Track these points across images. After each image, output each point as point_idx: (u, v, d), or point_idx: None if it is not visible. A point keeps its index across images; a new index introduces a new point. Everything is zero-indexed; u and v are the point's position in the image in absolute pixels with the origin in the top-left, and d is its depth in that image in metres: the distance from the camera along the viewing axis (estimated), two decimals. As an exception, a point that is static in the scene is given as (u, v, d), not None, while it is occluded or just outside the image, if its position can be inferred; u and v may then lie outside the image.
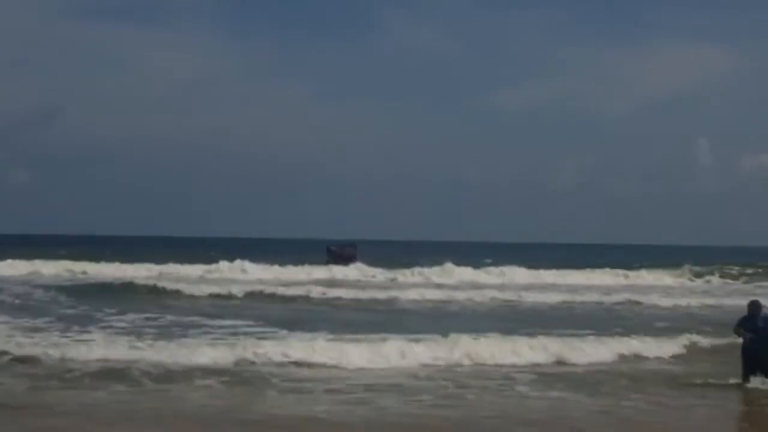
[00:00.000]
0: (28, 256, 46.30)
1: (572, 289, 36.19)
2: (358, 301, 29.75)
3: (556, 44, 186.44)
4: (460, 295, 31.60)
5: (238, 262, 43.47)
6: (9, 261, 43.56)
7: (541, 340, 17.43)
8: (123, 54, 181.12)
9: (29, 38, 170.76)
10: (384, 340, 17.14)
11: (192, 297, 29.94)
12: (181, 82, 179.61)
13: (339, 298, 30.09)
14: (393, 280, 40.45)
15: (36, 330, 19.39)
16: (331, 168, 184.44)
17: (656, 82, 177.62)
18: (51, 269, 42.84)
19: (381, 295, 31.00)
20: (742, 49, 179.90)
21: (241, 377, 14.39)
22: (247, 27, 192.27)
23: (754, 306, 14.72)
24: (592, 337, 18.69)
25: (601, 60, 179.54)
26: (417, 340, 17.26)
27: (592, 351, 17.20)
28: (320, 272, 42.63)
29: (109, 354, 15.55)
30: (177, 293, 30.51)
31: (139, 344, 16.63)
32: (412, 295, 31.24)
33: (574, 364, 16.42)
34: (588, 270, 45.57)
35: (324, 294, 30.87)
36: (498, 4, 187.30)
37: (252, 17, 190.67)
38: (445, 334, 17.68)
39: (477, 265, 46.51)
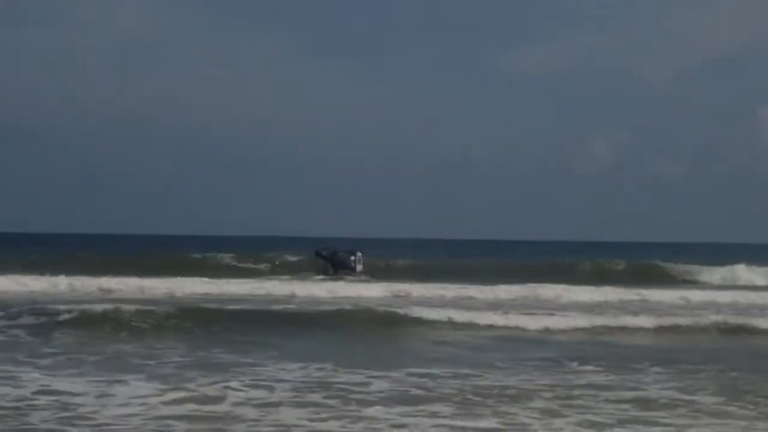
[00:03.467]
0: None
1: None
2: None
3: None
4: None
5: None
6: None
7: None
8: (50, 5, 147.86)
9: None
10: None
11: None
12: (120, 39, 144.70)
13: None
14: None
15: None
16: (303, 147, 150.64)
17: (710, 36, 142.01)
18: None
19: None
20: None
21: None
22: None
23: None
24: None
25: (641, 8, 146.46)
26: None
27: None
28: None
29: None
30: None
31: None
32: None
33: None
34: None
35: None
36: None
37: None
38: None
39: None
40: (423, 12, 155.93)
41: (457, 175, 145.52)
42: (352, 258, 38.00)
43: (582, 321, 21.03)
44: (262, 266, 39.79)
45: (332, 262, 38.15)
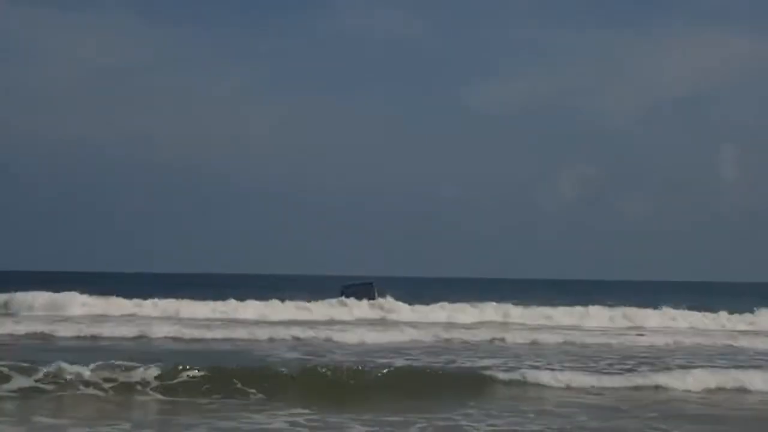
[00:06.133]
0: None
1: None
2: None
3: (548, 29, 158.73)
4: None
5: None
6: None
7: None
8: (13, 39, 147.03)
9: None
10: None
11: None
12: (89, 75, 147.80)
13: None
14: None
15: None
16: (268, 184, 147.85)
17: (673, 76, 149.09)
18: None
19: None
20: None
21: None
22: (171, 9, 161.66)
23: None
24: None
25: (604, 48, 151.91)
26: None
27: None
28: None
29: None
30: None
31: None
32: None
33: None
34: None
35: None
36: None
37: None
38: None
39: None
40: (390, 51, 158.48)
41: (422, 212, 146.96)
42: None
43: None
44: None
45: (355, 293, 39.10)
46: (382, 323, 30.97)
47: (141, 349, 20.76)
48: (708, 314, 35.63)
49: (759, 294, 59.52)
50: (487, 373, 17.08)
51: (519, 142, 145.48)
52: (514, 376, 16.79)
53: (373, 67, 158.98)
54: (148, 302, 34.15)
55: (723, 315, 35.62)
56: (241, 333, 25.20)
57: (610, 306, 36.17)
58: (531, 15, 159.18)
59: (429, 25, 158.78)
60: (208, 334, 24.83)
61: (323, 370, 16.25)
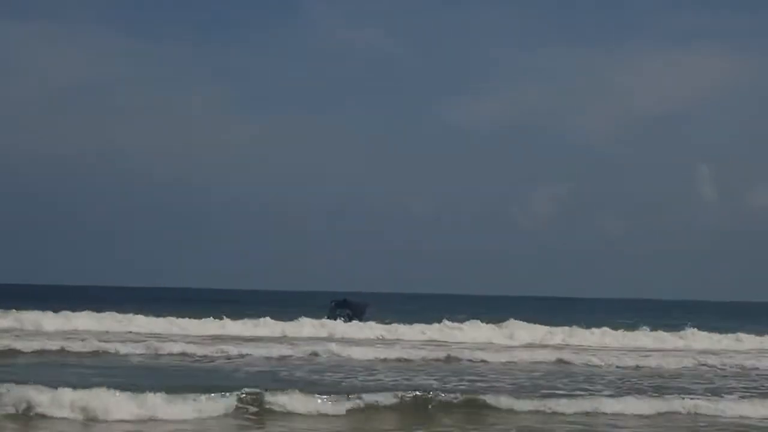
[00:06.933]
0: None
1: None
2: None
3: (522, 47, 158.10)
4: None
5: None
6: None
7: None
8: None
9: None
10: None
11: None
12: (63, 87, 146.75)
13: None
14: None
15: None
16: (243, 198, 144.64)
17: (648, 95, 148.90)
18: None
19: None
20: (749, 53, 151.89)
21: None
22: (150, 24, 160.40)
23: None
24: None
25: (579, 67, 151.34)
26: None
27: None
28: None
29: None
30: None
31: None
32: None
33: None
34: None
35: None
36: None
37: (155, 12, 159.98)
38: None
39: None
40: (367, 67, 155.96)
41: (397, 228, 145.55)
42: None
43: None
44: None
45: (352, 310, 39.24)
46: (358, 342, 30.71)
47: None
48: (677, 333, 35.45)
49: (741, 313, 60.06)
50: (464, 394, 16.86)
51: (494, 160, 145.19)
52: (492, 398, 16.43)
53: (352, 84, 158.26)
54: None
55: (702, 334, 35.46)
56: (218, 350, 24.92)
57: (587, 326, 35.86)
58: (508, 34, 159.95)
59: (407, 43, 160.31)
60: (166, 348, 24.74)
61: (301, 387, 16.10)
